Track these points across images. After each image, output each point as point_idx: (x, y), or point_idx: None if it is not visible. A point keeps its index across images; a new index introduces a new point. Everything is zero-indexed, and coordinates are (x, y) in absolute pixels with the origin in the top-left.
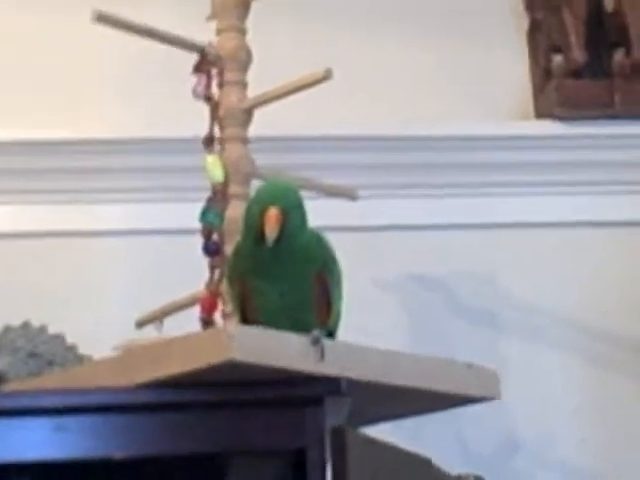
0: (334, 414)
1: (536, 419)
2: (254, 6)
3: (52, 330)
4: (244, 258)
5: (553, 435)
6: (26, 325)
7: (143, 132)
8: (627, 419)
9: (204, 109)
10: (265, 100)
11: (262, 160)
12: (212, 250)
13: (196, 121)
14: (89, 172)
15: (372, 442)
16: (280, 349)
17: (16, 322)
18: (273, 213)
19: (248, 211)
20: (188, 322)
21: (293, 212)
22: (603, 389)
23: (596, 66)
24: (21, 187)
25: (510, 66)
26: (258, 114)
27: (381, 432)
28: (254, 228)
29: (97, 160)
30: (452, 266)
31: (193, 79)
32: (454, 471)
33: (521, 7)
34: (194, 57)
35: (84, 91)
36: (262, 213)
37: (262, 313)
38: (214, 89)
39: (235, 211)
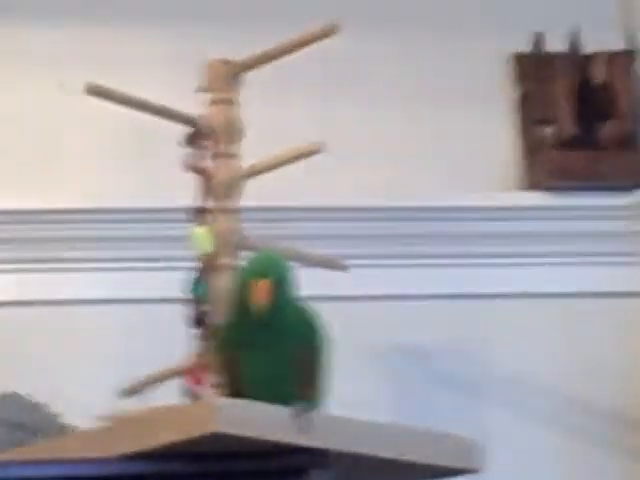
0: None
1: None
2: (246, 78)
3: (35, 400)
4: (232, 329)
5: None
6: (10, 395)
7: (126, 202)
8: None
9: (186, 179)
10: (257, 172)
11: (251, 230)
12: (199, 321)
13: (180, 191)
14: (72, 241)
15: None
16: (265, 421)
17: None
18: (263, 285)
19: (238, 283)
20: (173, 392)
21: (283, 284)
22: (586, 462)
23: (586, 138)
24: (2, 257)
25: (500, 137)
26: (247, 184)
27: None
28: (243, 300)
29: (80, 229)
30: (437, 336)
31: (184, 151)
32: None
33: (511, 79)
34: (179, 128)
35: (68, 160)
36: (252, 285)
37: (249, 384)
38: (206, 161)
39: (223, 282)
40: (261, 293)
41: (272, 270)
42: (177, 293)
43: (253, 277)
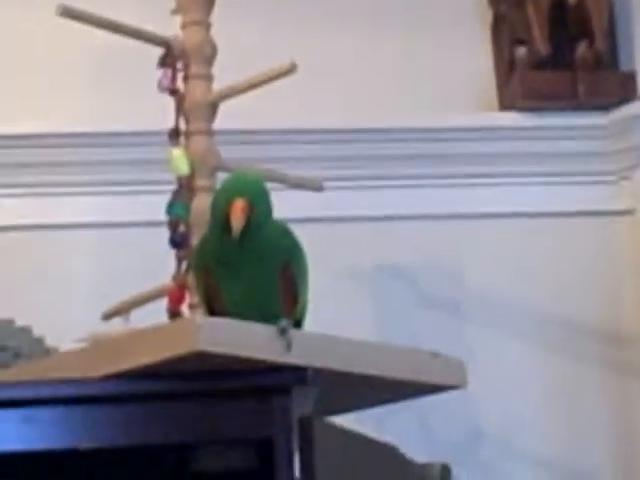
0: (301, 403)
1: (501, 408)
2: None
3: (19, 323)
4: (210, 249)
5: (518, 424)
6: None
7: (109, 125)
8: (591, 407)
9: (170, 102)
10: (230, 93)
11: (228, 153)
12: (179, 242)
13: (162, 114)
14: (55, 165)
15: (339, 431)
16: (247, 339)
17: None
18: (239, 204)
19: (214, 203)
20: (155, 314)
21: (259, 203)
22: (567, 378)
23: (559, 58)
24: None
25: (474, 58)
26: (224, 107)
27: (347, 421)
28: (220, 219)
29: (64, 153)
30: (419, 257)
31: (159, 73)
32: (420, 460)
33: (485, 1)
34: (160, 51)
35: (51, 85)
36: (228, 204)
37: (228, 304)
38: (179, 82)
39: (201, 203)
40: (237, 212)
41: (248, 189)
42: (161, 216)
43: (229, 197)
